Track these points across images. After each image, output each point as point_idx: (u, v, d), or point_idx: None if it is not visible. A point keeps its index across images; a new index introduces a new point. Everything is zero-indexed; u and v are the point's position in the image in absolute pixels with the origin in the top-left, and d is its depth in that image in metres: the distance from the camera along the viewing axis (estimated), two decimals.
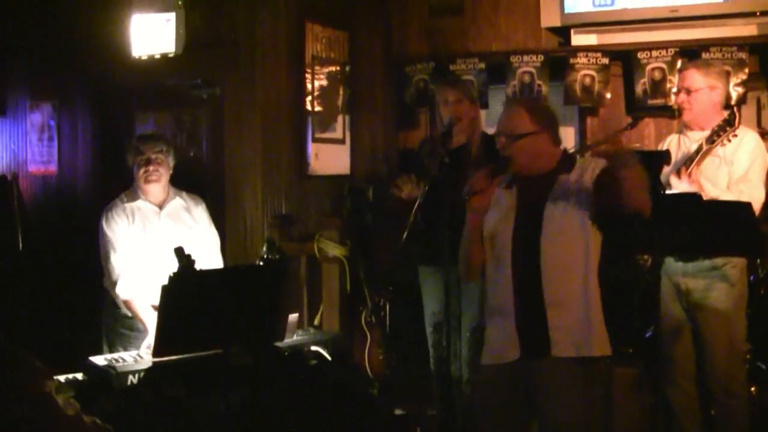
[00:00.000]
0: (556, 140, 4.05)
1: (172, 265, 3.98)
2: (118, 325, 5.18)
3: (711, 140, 4.90)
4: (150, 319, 4.82)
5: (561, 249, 3.90)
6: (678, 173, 4.93)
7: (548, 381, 3.93)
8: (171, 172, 5.35)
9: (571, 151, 6.51)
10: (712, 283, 4.93)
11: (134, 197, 5.25)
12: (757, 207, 4.76)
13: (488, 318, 4.17)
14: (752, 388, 5.35)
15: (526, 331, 3.92)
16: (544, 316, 3.89)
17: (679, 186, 4.87)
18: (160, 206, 5.28)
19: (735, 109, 5.02)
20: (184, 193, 5.44)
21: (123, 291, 5.05)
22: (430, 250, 5.31)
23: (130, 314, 5.10)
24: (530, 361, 3.94)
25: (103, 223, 5.17)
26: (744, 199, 4.68)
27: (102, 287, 5.28)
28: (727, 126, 4.87)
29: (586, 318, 3.91)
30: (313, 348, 4.76)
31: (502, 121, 4.07)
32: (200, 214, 5.45)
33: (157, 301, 4.49)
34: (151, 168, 5.19)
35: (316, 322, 6.40)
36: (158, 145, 5.25)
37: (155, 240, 5.17)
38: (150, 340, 4.59)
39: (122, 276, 5.06)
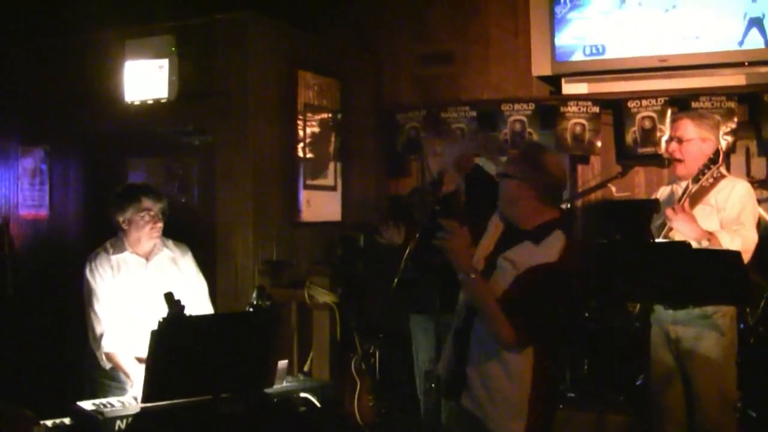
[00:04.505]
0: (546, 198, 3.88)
1: (157, 317, 3.94)
2: (98, 375, 5.04)
3: (697, 179, 4.92)
4: (134, 371, 4.77)
5: None
6: (673, 210, 4.91)
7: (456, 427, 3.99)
8: None
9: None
10: (702, 331, 4.91)
11: (121, 249, 5.13)
12: (750, 248, 4.77)
13: None
14: None
15: (450, 372, 3.96)
16: (465, 364, 3.88)
17: (674, 222, 4.85)
18: (147, 258, 5.19)
19: (719, 148, 5.01)
20: (170, 242, 5.34)
21: (108, 344, 4.94)
22: (421, 298, 5.32)
23: (108, 366, 4.98)
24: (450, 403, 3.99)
25: (87, 273, 5.06)
26: (738, 237, 4.71)
27: (86, 336, 5.15)
28: (711, 164, 4.89)
29: (498, 386, 3.79)
30: (303, 395, 4.72)
31: None
32: (187, 263, 5.35)
33: (140, 354, 4.47)
34: (159, 225, 5.12)
35: (306, 368, 6.38)
36: (161, 201, 5.14)
37: (140, 292, 5.06)
38: (135, 391, 4.54)
39: (107, 329, 4.95)
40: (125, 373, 4.88)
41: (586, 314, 6.15)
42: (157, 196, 5.15)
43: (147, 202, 5.07)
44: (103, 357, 4.97)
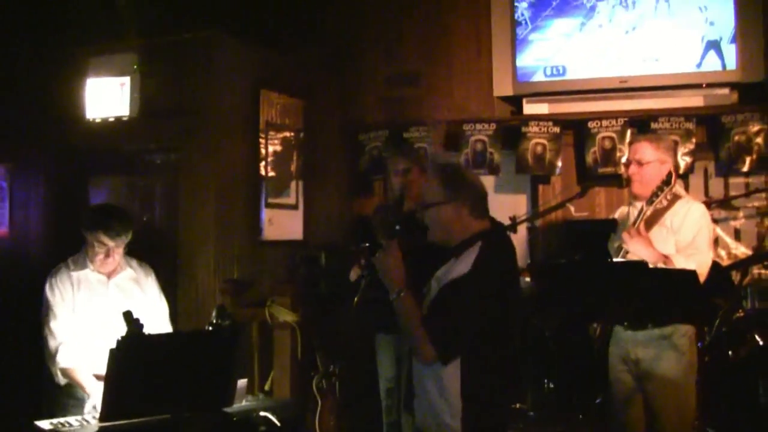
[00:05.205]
0: (475, 212, 3.89)
1: (117, 335, 3.91)
2: (56, 393, 4.94)
3: (651, 201, 4.95)
4: (93, 386, 4.71)
5: None
6: (629, 233, 4.95)
7: None
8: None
9: (521, 218, 6.63)
10: (661, 352, 4.93)
11: (82, 266, 5.06)
12: (704, 271, 4.81)
13: None
14: None
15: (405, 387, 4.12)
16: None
17: (630, 245, 4.90)
18: (108, 276, 5.12)
19: (671, 170, 5.05)
20: (134, 262, 5.27)
21: (64, 359, 4.85)
22: (383, 316, 5.33)
23: (64, 382, 4.90)
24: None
25: (47, 289, 4.99)
26: (692, 261, 4.74)
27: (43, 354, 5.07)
28: (664, 186, 4.93)
29: (431, 401, 3.82)
30: (263, 414, 4.71)
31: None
32: (150, 284, 5.28)
33: (99, 371, 4.44)
34: (110, 260, 5.03)
35: (266, 388, 6.36)
36: (122, 236, 4.99)
37: (100, 310, 5.00)
38: (94, 401, 4.51)
39: (63, 345, 4.87)
40: (82, 388, 4.81)
41: (546, 334, 6.18)
42: (119, 231, 4.98)
43: (104, 238, 4.95)
44: (58, 373, 4.88)
